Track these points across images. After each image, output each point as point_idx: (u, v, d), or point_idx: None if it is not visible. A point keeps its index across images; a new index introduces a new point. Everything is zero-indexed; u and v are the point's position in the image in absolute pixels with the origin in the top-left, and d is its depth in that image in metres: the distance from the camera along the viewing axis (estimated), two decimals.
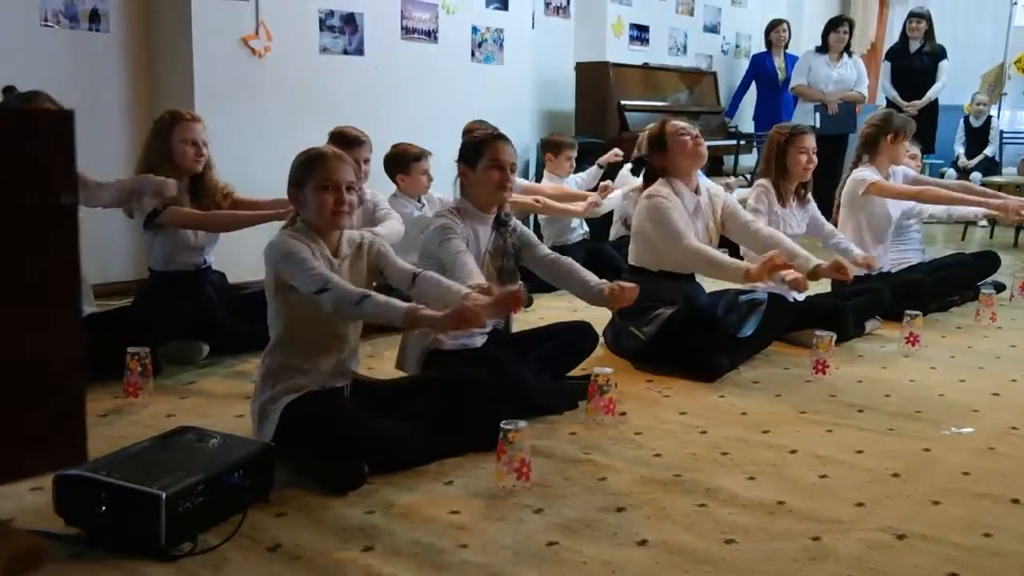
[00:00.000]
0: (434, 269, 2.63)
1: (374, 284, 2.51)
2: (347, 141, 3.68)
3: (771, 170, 3.88)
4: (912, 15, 7.55)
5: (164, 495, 1.83)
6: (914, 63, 7.34)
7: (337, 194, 2.34)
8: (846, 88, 7.16)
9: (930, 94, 7.29)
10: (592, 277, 2.81)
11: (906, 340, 3.58)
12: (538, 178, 5.51)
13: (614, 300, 2.73)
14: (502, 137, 2.91)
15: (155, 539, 1.84)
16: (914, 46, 7.38)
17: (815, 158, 3.90)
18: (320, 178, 2.34)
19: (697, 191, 3.45)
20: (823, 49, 7.22)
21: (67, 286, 0.66)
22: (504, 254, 2.92)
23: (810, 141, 3.87)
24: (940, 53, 7.35)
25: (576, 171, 5.37)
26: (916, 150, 4.80)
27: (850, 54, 7.24)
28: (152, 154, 3.34)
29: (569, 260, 2.93)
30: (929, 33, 7.36)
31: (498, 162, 2.81)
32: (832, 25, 7.26)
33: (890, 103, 7.38)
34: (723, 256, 3.31)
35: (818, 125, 7.01)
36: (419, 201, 4.21)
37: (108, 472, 1.90)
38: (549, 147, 5.28)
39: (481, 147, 2.85)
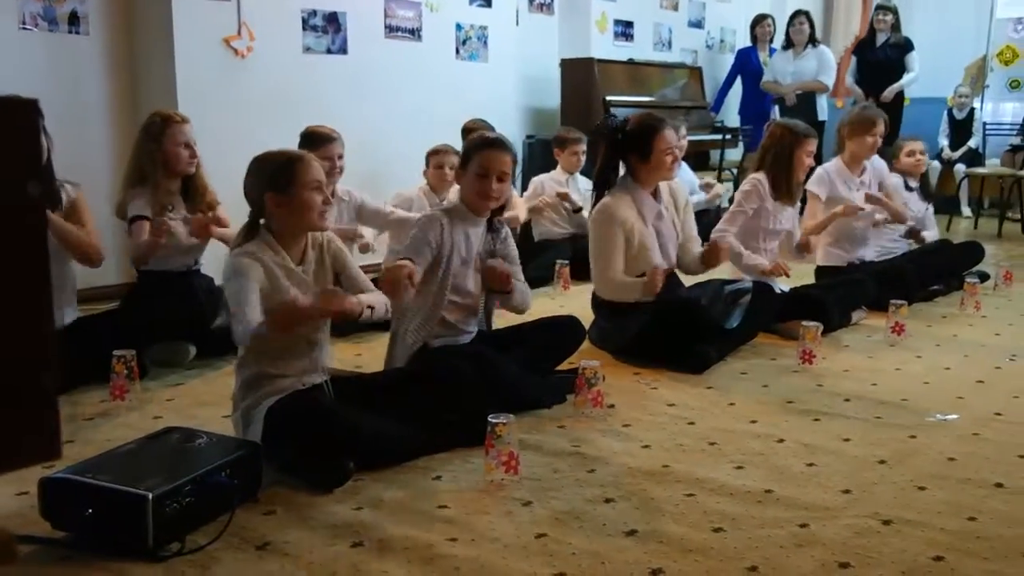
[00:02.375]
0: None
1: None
2: (320, 139, 3.70)
3: (772, 165, 3.81)
4: (879, 7, 7.65)
5: (151, 496, 1.82)
6: (879, 56, 7.42)
7: (323, 194, 2.36)
8: (804, 79, 7.23)
9: (898, 85, 7.33)
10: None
11: (892, 330, 3.60)
12: (539, 171, 5.50)
13: None
14: (494, 144, 2.84)
15: (142, 540, 1.83)
16: (881, 39, 7.46)
17: (814, 162, 3.92)
18: (307, 179, 2.33)
19: (657, 195, 3.42)
20: (787, 45, 7.34)
21: (36, 278, 0.65)
22: (492, 258, 2.91)
23: (815, 145, 3.87)
24: (907, 45, 7.43)
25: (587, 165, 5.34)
26: (915, 146, 4.78)
27: (815, 44, 7.28)
28: (144, 159, 3.31)
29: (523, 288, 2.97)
30: (896, 26, 7.44)
31: (483, 170, 2.77)
32: (789, 20, 7.41)
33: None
34: (630, 279, 3.32)
35: (778, 117, 7.08)
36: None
37: (94, 474, 1.89)
38: (556, 143, 5.31)
39: (471, 152, 2.83)
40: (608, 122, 3.44)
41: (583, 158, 5.26)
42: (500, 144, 2.85)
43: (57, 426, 0.73)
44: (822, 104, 7.30)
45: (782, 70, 7.36)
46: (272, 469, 2.20)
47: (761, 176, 3.83)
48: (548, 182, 5.23)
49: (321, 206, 2.36)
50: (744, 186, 3.88)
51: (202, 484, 1.94)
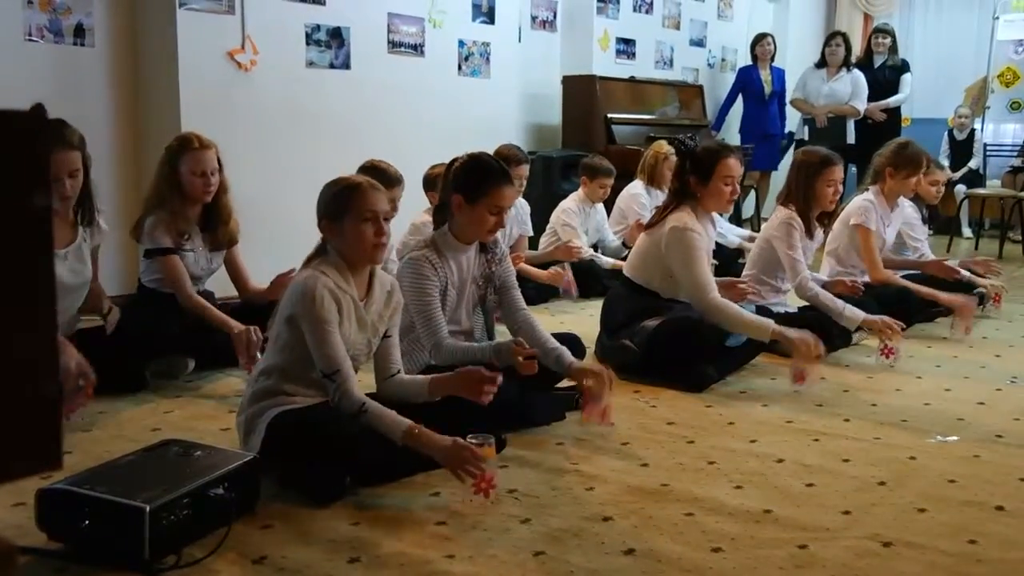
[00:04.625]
0: (410, 301, 2.63)
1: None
2: (386, 179, 3.68)
3: (796, 197, 3.78)
4: (877, 30, 7.79)
5: (148, 508, 1.81)
6: (878, 76, 7.55)
7: (377, 225, 2.29)
8: (838, 102, 7.29)
9: (891, 101, 7.47)
10: (557, 348, 2.77)
11: (881, 352, 3.56)
12: (544, 199, 5.44)
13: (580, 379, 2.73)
14: (509, 180, 2.73)
15: (139, 553, 1.82)
16: (878, 60, 7.61)
17: (841, 189, 3.85)
18: (360, 209, 2.28)
19: (712, 226, 3.44)
20: (821, 64, 7.40)
21: (44, 286, 0.66)
22: (489, 282, 2.86)
23: (839, 173, 3.80)
24: (903, 67, 7.60)
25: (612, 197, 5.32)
26: (942, 176, 4.75)
27: (849, 68, 7.35)
28: (162, 182, 3.30)
29: (538, 328, 2.85)
30: (893, 48, 7.55)
31: (497, 208, 2.68)
32: (826, 40, 7.50)
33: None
34: (748, 314, 3.26)
35: (807, 138, 7.14)
36: None
37: (91, 486, 1.89)
38: (586, 170, 5.22)
39: (484, 185, 2.67)
40: (684, 140, 3.39)
41: (608, 192, 5.23)
42: (511, 177, 2.76)
43: (59, 436, 0.73)
44: (851, 128, 7.36)
45: (815, 90, 7.40)
46: (271, 482, 2.20)
47: (788, 211, 3.77)
48: (566, 222, 5.10)
49: (374, 238, 2.28)
50: (775, 228, 3.79)
51: (200, 497, 1.93)
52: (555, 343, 2.82)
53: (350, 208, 2.29)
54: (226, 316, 3.22)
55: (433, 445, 2.14)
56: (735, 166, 3.34)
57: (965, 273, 4.52)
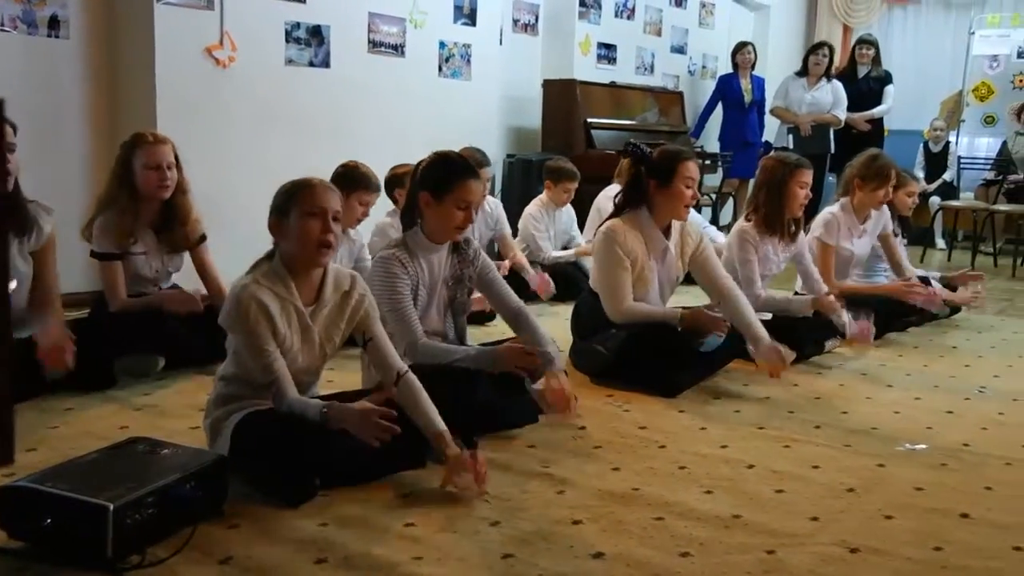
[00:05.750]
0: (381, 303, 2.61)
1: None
2: (367, 183, 3.68)
3: (766, 201, 3.80)
4: (860, 41, 7.86)
5: (112, 506, 1.79)
6: (861, 87, 7.64)
7: (324, 222, 2.23)
8: (820, 111, 7.35)
9: (874, 112, 7.58)
10: (547, 343, 2.83)
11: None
12: (523, 202, 5.41)
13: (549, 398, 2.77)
14: (475, 174, 2.73)
15: (102, 552, 1.79)
16: (862, 71, 7.70)
17: (810, 194, 3.86)
18: (308, 204, 2.24)
19: (668, 233, 3.36)
20: (803, 72, 7.46)
21: None
22: (459, 283, 2.84)
23: (809, 176, 3.81)
24: (886, 78, 7.71)
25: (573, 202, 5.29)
26: (915, 188, 4.77)
27: (829, 79, 7.41)
28: (114, 180, 3.22)
29: (531, 320, 2.90)
30: (876, 59, 7.64)
31: (464, 203, 2.67)
32: (811, 49, 7.56)
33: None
34: (654, 308, 3.30)
35: (791, 146, 7.20)
36: None
37: (54, 483, 1.86)
38: (549, 173, 5.15)
39: (451, 181, 2.67)
40: (639, 145, 3.36)
41: (572, 196, 5.20)
42: (477, 172, 2.76)
43: (10, 432, 0.71)
44: (832, 137, 7.45)
45: (797, 99, 7.46)
46: (238, 482, 2.17)
47: (743, 224, 3.80)
48: (531, 222, 5.10)
49: (320, 234, 2.22)
50: (732, 239, 3.84)
51: (165, 496, 1.91)
52: (545, 344, 2.84)
53: (298, 203, 2.25)
54: (158, 294, 3.27)
55: (344, 416, 2.16)
56: (695, 169, 3.32)
57: (938, 287, 4.55)
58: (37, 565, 1.82)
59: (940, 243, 8.27)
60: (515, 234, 5.17)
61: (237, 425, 2.24)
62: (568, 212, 5.33)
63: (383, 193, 3.97)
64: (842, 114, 7.45)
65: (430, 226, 2.74)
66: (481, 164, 4.58)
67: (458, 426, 2.34)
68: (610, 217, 3.38)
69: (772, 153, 4.18)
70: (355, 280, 2.43)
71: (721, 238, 5.45)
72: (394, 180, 4.12)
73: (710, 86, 8.39)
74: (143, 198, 3.24)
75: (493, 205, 4.90)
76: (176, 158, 3.26)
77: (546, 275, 4.77)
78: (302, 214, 2.24)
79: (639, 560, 1.93)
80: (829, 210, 4.33)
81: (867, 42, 7.77)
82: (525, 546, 1.98)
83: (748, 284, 3.73)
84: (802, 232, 3.99)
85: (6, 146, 2.75)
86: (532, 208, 5.18)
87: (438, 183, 2.68)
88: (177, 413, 2.85)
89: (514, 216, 5.17)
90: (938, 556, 2.00)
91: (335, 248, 2.30)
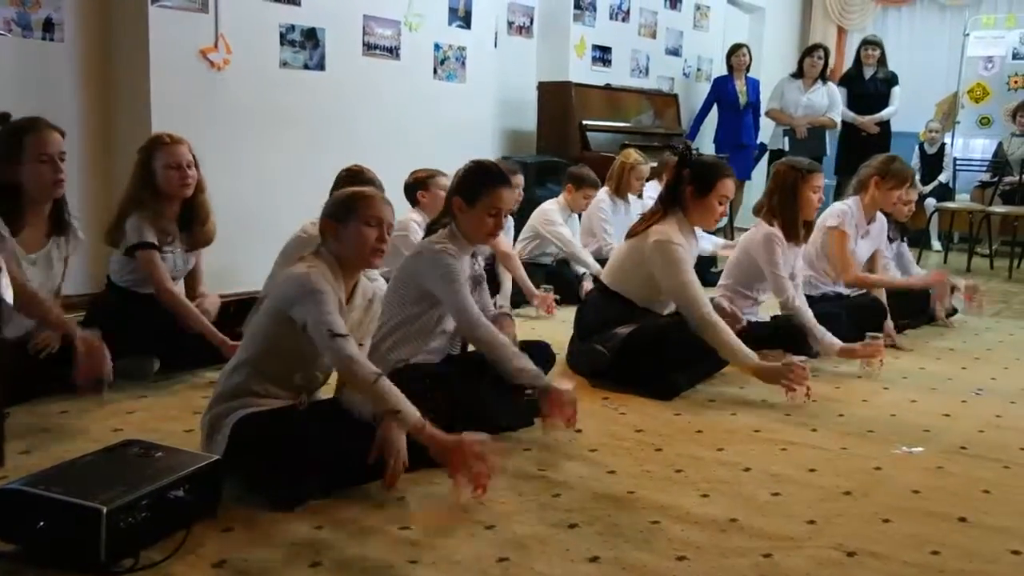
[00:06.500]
0: (410, 296, 2.68)
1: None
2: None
3: (780, 207, 3.76)
4: (866, 43, 7.82)
5: (105, 510, 1.77)
6: (868, 88, 7.63)
7: (380, 232, 2.35)
8: (816, 114, 7.36)
9: (883, 114, 7.56)
10: (524, 364, 2.65)
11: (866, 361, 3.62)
12: (532, 204, 5.40)
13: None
14: (509, 182, 2.81)
15: (95, 555, 1.78)
16: (868, 72, 7.66)
17: (823, 197, 3.86)
18: (367, 214, 2.34)
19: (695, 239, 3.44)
20: (798, 75, 7.47)
21: None
22: (478, 284, 2.91)
23: (821, 180, 3.81)
24: (892, 79, 7.68)
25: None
26: (912, 195, 4.74)
27: (825, 81, 7.42)
28: (137, 185, 3.24)
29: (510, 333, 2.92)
30: (882, 60, 7.62)
31: (496, 210, 2.73)
32: (807, 51, 7.56)
33: (847, 124, 7.59)
34: (736, 340, 3.20)
35: (787, 148, 7.21)
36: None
37: (47, 486, 1.84)
38: (572, 179, 5.20)
39: (483, 187, 2.74)
40: (689, 145, 3.39)
41: (589, 203, 5.23)
42: (510, 181, 2.83)
43: (2, 434, 0.70)
44: (828, 139, 7.46)
45: (793, 101, 7.47)
46: (233, 485, 2.16)
47: (770, 228, 3.75)
48: (596, 213, 5.20)
49: (375, 243, 2.33)
50: (758, 244, 3.76)
51: (159, 499, 1.90)
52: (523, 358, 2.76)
53: (358, 212, 2.34)
54: (209, 325, 3.20)
55: (437, 443, 2.16)
56: (732, 188, 3.38)
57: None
58: (30, 568, 1.81)
59: (936, 245, 8.28)
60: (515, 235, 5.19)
61: (236, 423, 2.23)
62: (576, 222, 5.35)
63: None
64: (838, 117, 7.47)
65: (463, 229, 2.79)
66: (514, 171, 4.60)
67: (454, 427, 2.33)
68: (652, 217, 3.37)
69: (784, 159, 4.15)
70: (376, 294, 2.54)
71: (708, 242, 5.46)
72: (417, 183, 4.26)
73: (705, 88, 8.40)
74: (165, 198, 3.26)
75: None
76: (194, 157, 3.29)
77: (548, 294, 4.71)
78: (362, 222, 2.33)
79: (635, 564, 1.92)
80: (843, 203, 4.32)
81: (872, 43, 7.72)
82: (521, 550, 1.97)
83: (780, 289, 3.70)
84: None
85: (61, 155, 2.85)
86: (551, 206, 5.18)
87: (471, 189, 2.76)
88: (172, 416, 2.84)
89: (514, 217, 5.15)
90: (935, 560, 2.00)
91: (382, 257, 2.40)
